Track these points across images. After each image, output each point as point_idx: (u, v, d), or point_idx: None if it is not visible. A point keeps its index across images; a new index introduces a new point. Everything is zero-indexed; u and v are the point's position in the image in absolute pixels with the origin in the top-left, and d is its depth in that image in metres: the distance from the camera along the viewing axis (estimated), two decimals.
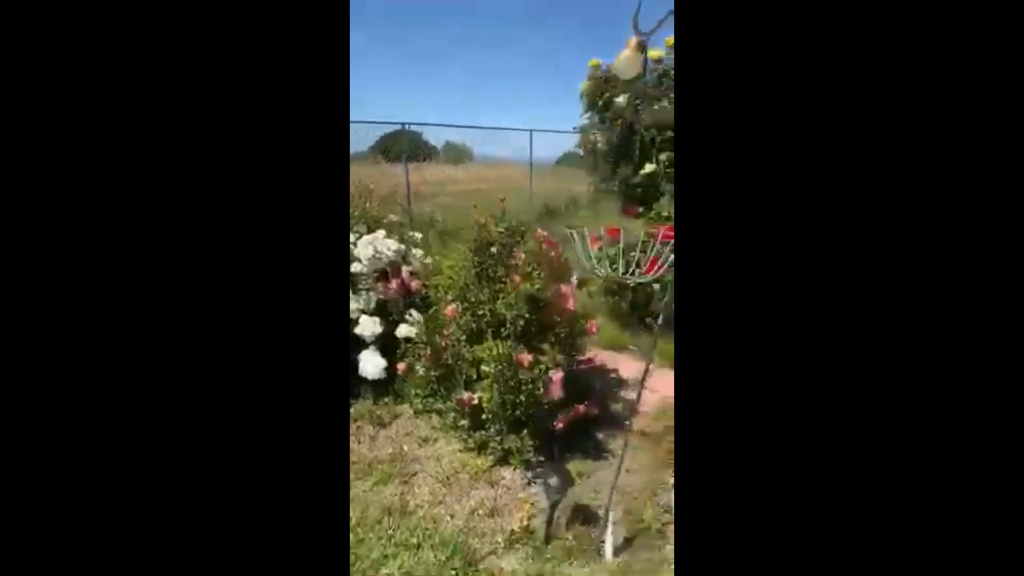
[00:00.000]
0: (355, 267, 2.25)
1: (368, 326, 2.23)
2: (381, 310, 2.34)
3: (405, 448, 2.13)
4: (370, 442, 2.16)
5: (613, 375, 2.72)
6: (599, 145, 3.82)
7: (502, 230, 1.94)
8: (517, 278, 1.83)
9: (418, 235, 2.75)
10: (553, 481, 1.54)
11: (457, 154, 13.41)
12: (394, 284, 2.15)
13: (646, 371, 1.43)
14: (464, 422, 1.99)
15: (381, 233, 2.41)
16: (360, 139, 6.54)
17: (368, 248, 2.25)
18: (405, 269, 2.21)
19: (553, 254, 1.93)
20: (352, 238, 2.35)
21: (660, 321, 1.42)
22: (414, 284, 2.08)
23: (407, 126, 6.28)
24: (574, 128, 4.17)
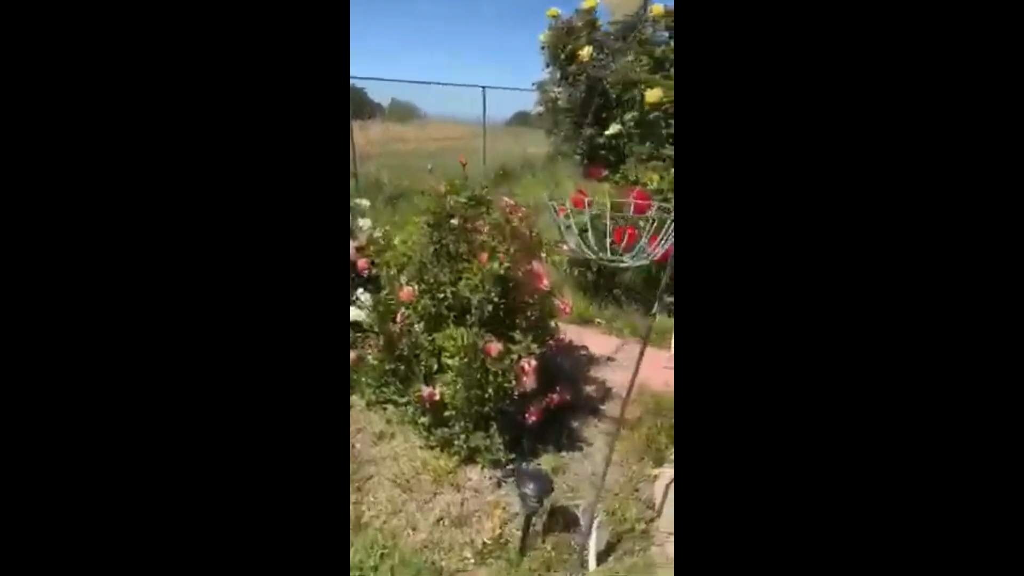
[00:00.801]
0: None
1: None
2: None
3: (358, 446, 1.88)
4: None
5: (583, 353, 2.54)
6: (559, 103, 3.53)
7: (464, 200, 1.65)
8: (483, 256, 1.57)
9: (365, 202, 2.41)
10: (530, 488, 1.35)
11: (404, 112, 12.68)
12: None
13: (640, 356, 1.23)
14: (424, 419, 1.75)
15: None
16: None
17: None
18: (351, 244, 1.89)
19: (521, 225, 1.67)
20: None
21: (656, 309, 1.21)
22: (361, 263, 1.78)
23: (352, 80, 5.69)
24: (533, 84, 3.84)
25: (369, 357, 1.82)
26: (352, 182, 5.00)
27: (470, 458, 1.73)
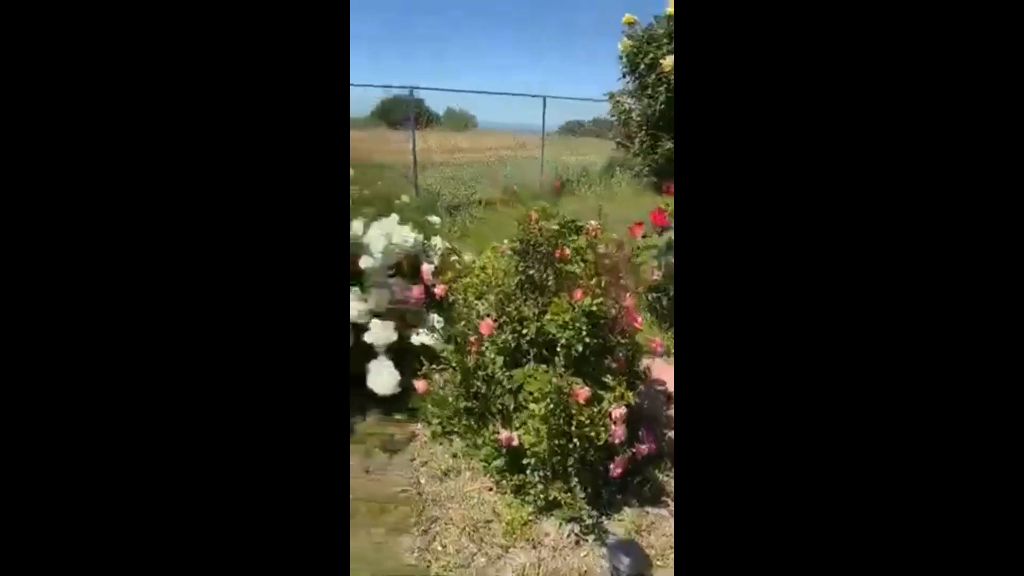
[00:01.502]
0: (365, 261, 1.81)
1: (381, 333, 1.81)
2: (392, 311, 1.92)
3: (423, 481, 1.75)
4: (381, 472, 1.78)
5: (660, 388, 2.33)
6: (634, 114, 3.34)
7: (555, 227, 1.49)
8: (577, 292, 1.41)
9: (436, 219, 2.30)
10: (624, 564, 1.17)
11: (459, 121, 12.73)
12: (416, 290, 1.71)
13: None
14: (497, 462, 1.60)
15: (394, 219, 1.96)
16: (358, 103, 5.93)
17: (381, 240, 1.81)
18: (426, 268, 1.77)
19: (616, 254, 1.50)
20: (358, 224, 1.90)
21: None
22: (439, 288, 1.65)
23: (413, 91, 5.69)
24: (605, 94, 3.66)
25: (443, 392, 1.69)
26: (412, 192, 4.96)
27: (547, 509, 1.56)
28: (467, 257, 2.03)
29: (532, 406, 1.39)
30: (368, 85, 5.76)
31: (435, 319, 1.87)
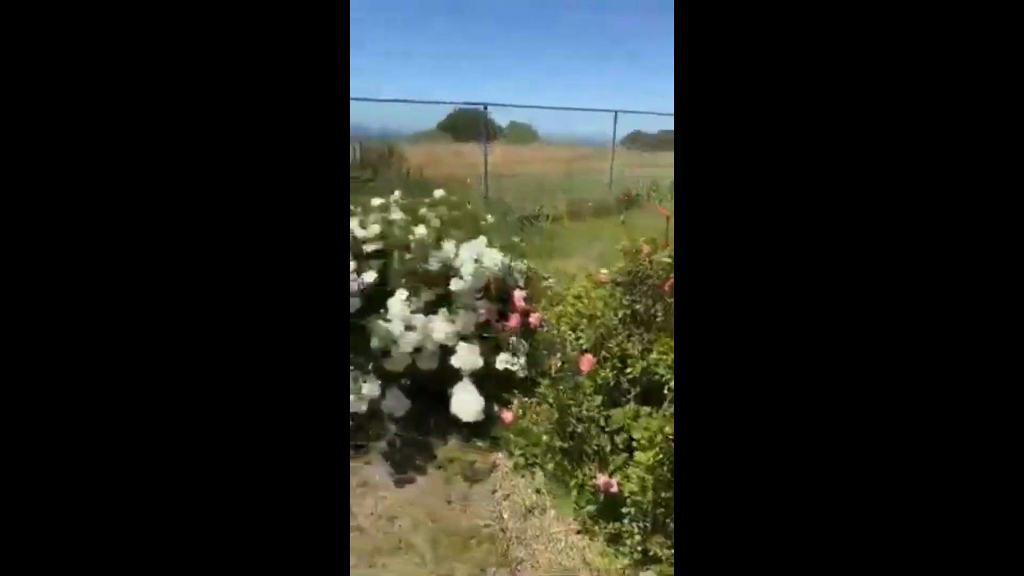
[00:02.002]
0: (456, 283, 1.77)
1: (468, 358, 1.76)
2: (476, 334, 1.86)
3: (505, 516, 1.67)
4: (462, 502, 1.71)
5: None
6: None
7: (667, 259, 1.38)
8: None
9: (519, 241, 2.24)
10: None
11: (523, 134, 12.77)
12: (513, 320, 1.65)
13: None
14: (590, 507, 1.49)
15: (482, 241, 1.91)
16: (426, 118, 5.99)
17: (471, 262, 1.76)
18: (519, 295, 1.70)
19: None
20: (450, 246, 1.87)
21: None
22: (533, 318, 1.57)
23: (487, 107, 5.72)
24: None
25: (534, 428, 1.60)
26: (482, 204, 4.97)
27: (643, 562, 1.44)
28: (549, 280, 1.95)
29: (639, 455, 1.28)
30: (437, 102, 5.82)
31: (521, 345, 1.80)
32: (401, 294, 1.74)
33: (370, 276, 1.71)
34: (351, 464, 1.86)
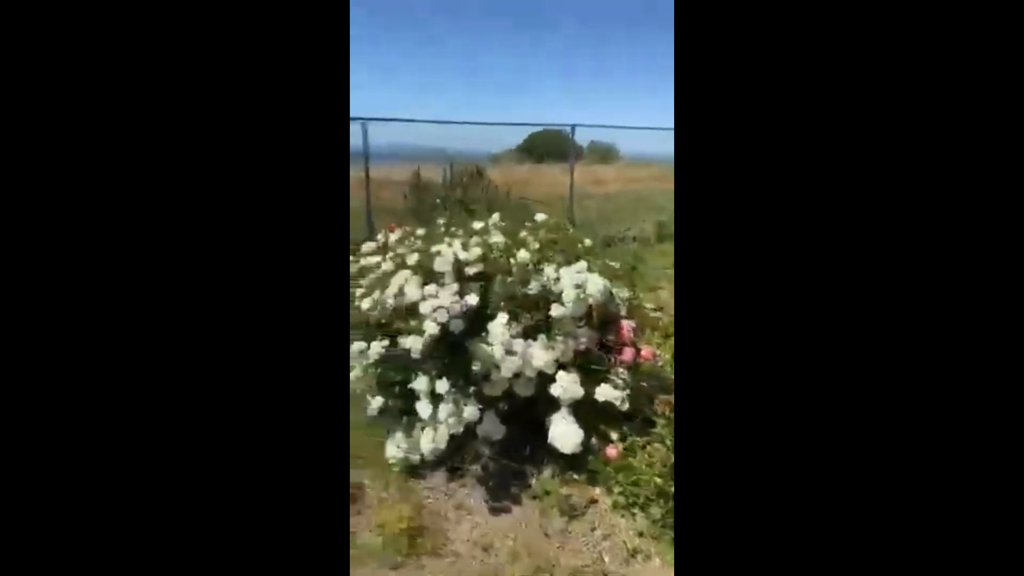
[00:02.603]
0: (557, 310, 1.71)
1: (569, 387, 1.69)
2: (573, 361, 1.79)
3: (607, 559, 1.56)
4: (560, 537, 1.63)
5: None
6: None
7: None
8: None
9: (615, 265, 2.15)
10: None
11: (604, 153, 12.64)
12: (627, 353, 1.57)
13: None
14: None
15: (583, 265, 1.85)
16: (496, 140, 6.03)
17: (572, 288, 1.70)
18: (627, 324, 1.62)
19: None
20: (551, 270, 1.82)
21: None
22: (646, 352, 1.48)
23: (574, 128, 5.71)
24: None
25: (643, 465, 1.50)
26: (569, 227, 4.92)
27: None
28: (656, 312, 1.84)
29: None
30: (517, 124, 5.85)
31: (625, 377, 1.70)
32: (502, 318, 1.72)
33: (473, 299, 1.70)
34: (447, 485, 1.84)
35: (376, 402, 1.80)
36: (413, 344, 1.60)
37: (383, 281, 1.77)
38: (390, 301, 1.75)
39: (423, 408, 1.64)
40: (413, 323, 1.71)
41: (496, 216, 2.16)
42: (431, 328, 1.60)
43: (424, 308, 1.64)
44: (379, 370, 1.81)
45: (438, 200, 3.92)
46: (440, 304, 1.63)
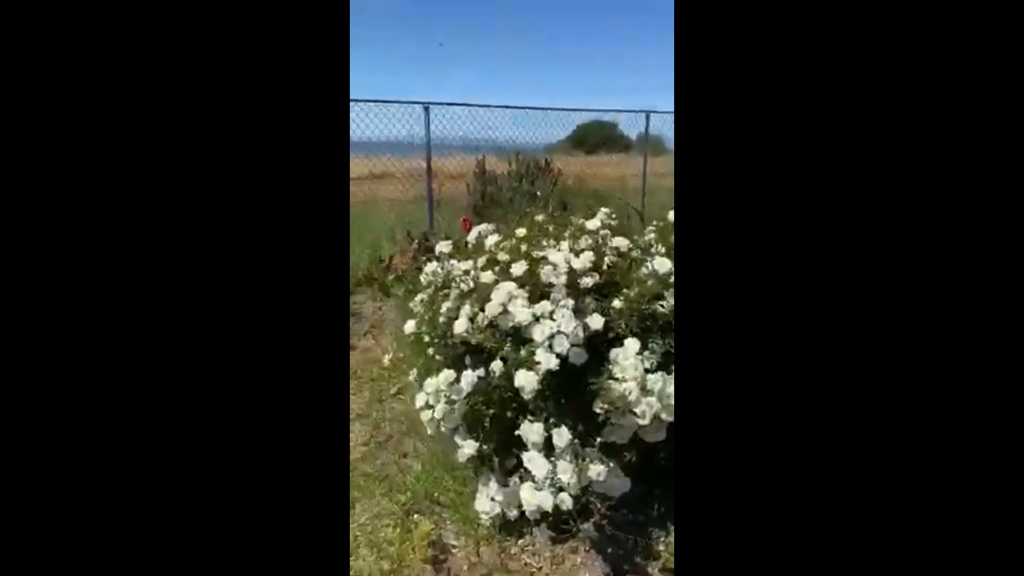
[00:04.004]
0: None
1: None
2: None
3: None
4: None
5: None
6: None
7: None
8: None
9: None
10: None
11: (653, 145, 11.95)
12: None
13: None
14: None
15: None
16: (547, 128, 5.54)
17: None
18: None
19: None
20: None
21: None
22: None
23: (649, 115, 5.18)
24: None
25: None
26: (640, 226, 4.44)
27: None
28: None
29: None
30: (569, 109, 5.33)
31: None
32: (632, 345, 1.29)
33: (597, 321, 1.28)
34: (552, 548, 1.45)
35: (468, 446, 1.41)
36: (526, 382, 1.20)
37: (481, 294, 1.37)
38: (484, 319, 1.36)
39: (536, 464, 1.24)
40: (509, 347, 1.32)
41: (603, 212, 1.73)
42: (548, 361, 1.19)
43: (537, 333, 1.23)
44: (470, 406, 1.42)
45: (508, 191, 3.52)
46: (559, 329, 1.22)
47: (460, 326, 1.34)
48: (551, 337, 1.22)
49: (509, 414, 1.44)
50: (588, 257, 1.46)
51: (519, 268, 1.34)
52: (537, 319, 1.25)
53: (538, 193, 3.71)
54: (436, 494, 1.66)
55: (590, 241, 1.55)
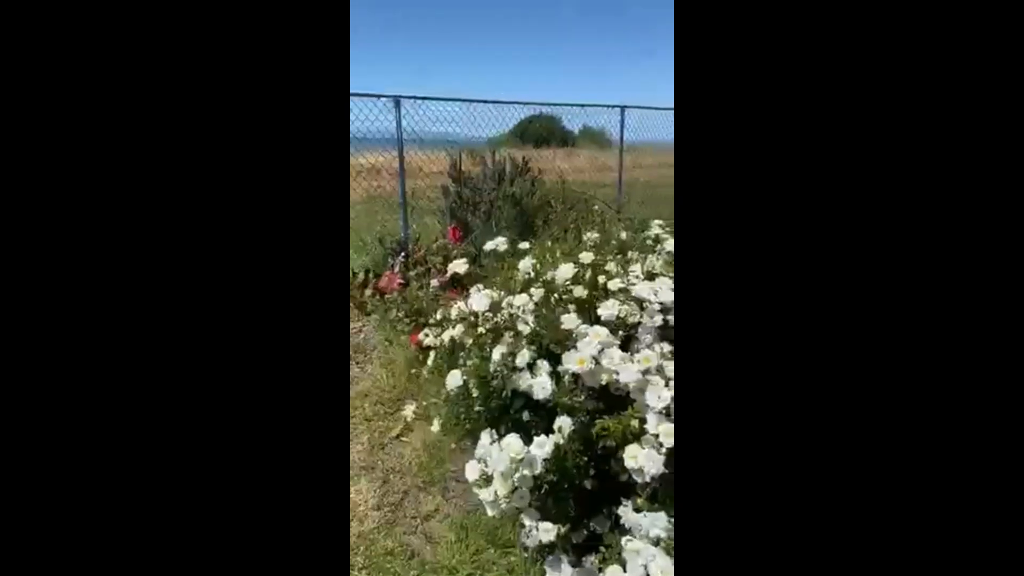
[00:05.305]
0: None
1: None
2: None
3: None
4: None
5: None
6: None
7: None
8: None
9: None
10: None
11: (597, 139, 11.94)
12: None
13: None
14: None
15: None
16: (491, 123, 5.20)
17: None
18: None
19: None
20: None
21: None
22: None
23: (624, 109, 4.98)
24: None
25: None
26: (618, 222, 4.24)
27: None
28: None
29: None
30: (512, 102, 5.00)
31: None
32: None
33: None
34: None
35: (545, 531, 1.10)
36: (647, 463, 0.90)
37: (554, 337, 1.06)
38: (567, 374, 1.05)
39: (658, 567, 0.95)
40: (608, 414, 1.02)
41: (657, 224, 1.46)
42: (670, 437, 0.90)
43: (652, 399, 0.93)
44: (540, 479, 1.11)
45: (489, 193, 3.14)
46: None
47: (542, 383, 1.02)
48: (670, 402, 0.93)
49: (587, 484, 1.15)
50: (668, 284, 1.18)
51: (608, 310, 1.03)
52: (648, 381, 0.95)
53: (516, 192, 3.38)
54: (482, 573, 1.33)
55: (660, 262, 1.28)
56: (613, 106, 6.02)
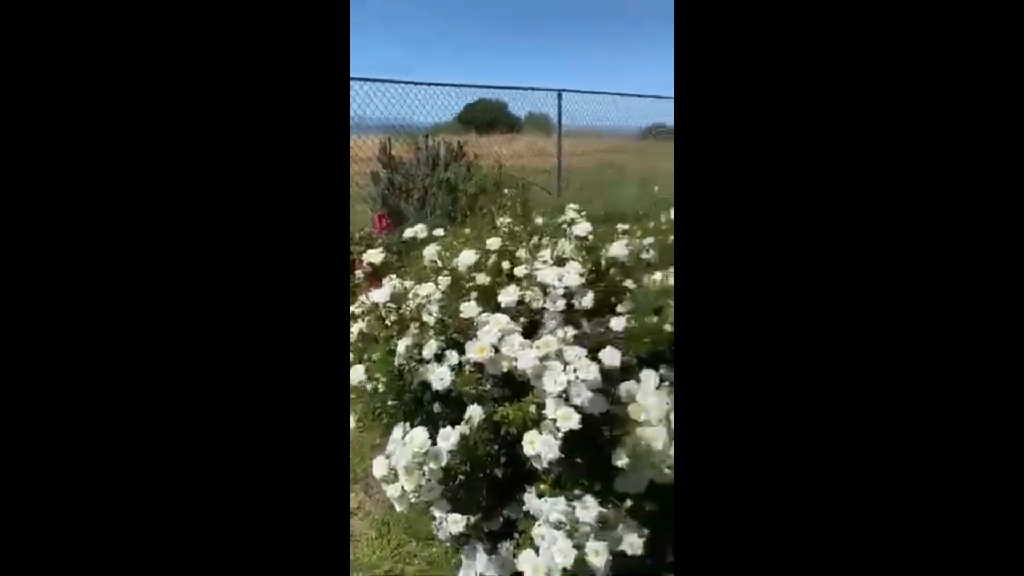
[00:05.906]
0: None
1: None
2: None
3: None
4: None
5: None
6: None
7: None
8: None
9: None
10: None
11: (540, 124, 11.90)
12: None
13: None
14: None
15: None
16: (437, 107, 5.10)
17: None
18: None
19: None
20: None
21: None
22: None
23: (561, 93, 4.93)
24: None
25: None
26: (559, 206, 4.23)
27: None
28: None
29: None
30: (451, 85, 4.89)
31: None
32: (650, 378, 1.04)
33: (613, 356, 1.00)
34: None
35: (454, 523, 1.07)
36: (544, 449, 0.89)
37: (459, 326, 1.02)
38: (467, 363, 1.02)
39: (560, 549, 0.94)
40: (508, 400, 1.00)
41: (572, 208, 1.44)
42: (570, 419, 0.89)
43: (548, 383, 0.91)
44: (448, 471, 1.07)
45: (422, 179, 3.03)
46: (576, 375, 0.92)
47: (440, 374, 0.97)
48: (568, 387, 0.91)
49: (497, 472, 1.13)
50: (576, 268, 1.16)
51: (509, 296, 1.00)
52: (545, 364, 0.93)
53: (451, 178, 3.29)
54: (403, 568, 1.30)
55: (571, 247, 1.26)
56: (550, 90, 5.99)
